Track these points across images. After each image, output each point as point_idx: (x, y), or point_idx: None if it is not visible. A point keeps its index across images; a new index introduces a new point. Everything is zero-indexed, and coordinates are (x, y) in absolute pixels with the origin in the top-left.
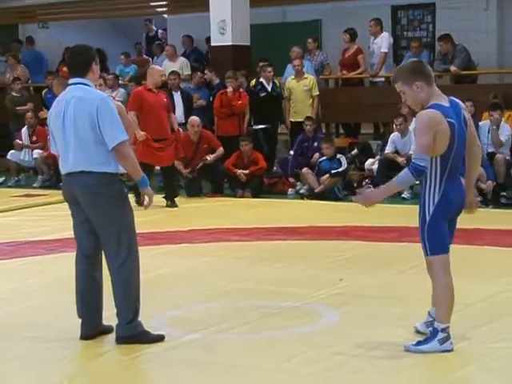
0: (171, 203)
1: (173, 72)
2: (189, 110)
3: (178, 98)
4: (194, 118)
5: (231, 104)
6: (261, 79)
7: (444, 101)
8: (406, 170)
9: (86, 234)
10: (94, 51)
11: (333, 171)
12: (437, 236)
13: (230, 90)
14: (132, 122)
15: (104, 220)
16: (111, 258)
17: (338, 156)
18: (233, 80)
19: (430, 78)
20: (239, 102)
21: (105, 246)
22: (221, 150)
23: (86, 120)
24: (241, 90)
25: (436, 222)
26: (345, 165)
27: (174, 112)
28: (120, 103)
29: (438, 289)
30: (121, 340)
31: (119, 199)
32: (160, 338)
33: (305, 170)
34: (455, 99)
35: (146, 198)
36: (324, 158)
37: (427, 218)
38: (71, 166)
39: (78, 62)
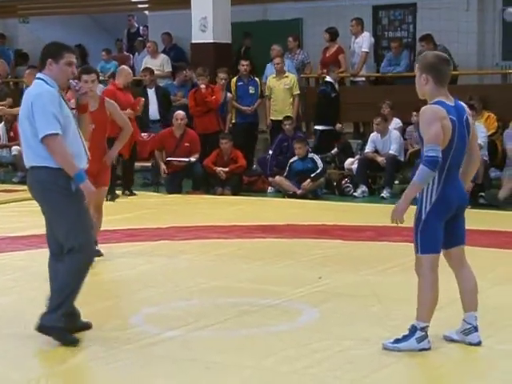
0: (129, 192)
1: (146, 69)
2: (166, 107)
3: (152, 94)
4: (180, 112)
5: (205, 101)
6: (328, 78)
7: (449, 101)
8: (421, 166)
9: (49, 233)
10: (53, 48)
11: (312, 175)
12: (430, 235)
13: (202, 86)
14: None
15: (52, 216)
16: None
17: (310, 155)
18: (203, 77)
19: (441, 77)
20: (213, 97)
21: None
22: (196, 156)
23: (24, 113)
24: (213, 85)
25: (431, 222)
26: (320, 164)
27: (148, 109)
28: (113, 102)
29: (423, 287)
30: (38, 328)
31: (66, 195)
32: (73, 341)
33: (277, 178)
34: (461, 102)
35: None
36: (295, 158)
37: (423, 217)
38: (25, 161)
39: (40, 57)
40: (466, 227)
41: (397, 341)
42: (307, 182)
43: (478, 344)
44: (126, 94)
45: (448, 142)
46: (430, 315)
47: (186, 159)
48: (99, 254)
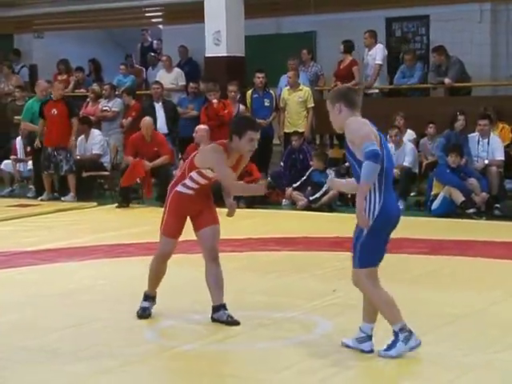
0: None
1: (156, 82)
2: (174, 121)
3: (159, 108)
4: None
5: (218, 115)
6: None
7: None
8: (364, 163)
9: None
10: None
11: (311, 198)
12: (371, 250)
13: (214, 101)
14: None
15: None
16: None
17: (328, 171)
18: (214, 92)
19: (352, 103)
20: (225, 111)
21: None
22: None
23: None
24: (224, 99)
25: (373, 237)
26: (326, 186)
27: (155, 123)
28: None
29: (374, 301)
30: None
31: None
32: None
33: (289, 191)
34: None
35: None
36: (315, 168)
37: (364, 231)
38: None
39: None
40: (483, 238)
41: (389, 348)
42: (305, 202)
43: (370, 352)
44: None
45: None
46: (398, 315)
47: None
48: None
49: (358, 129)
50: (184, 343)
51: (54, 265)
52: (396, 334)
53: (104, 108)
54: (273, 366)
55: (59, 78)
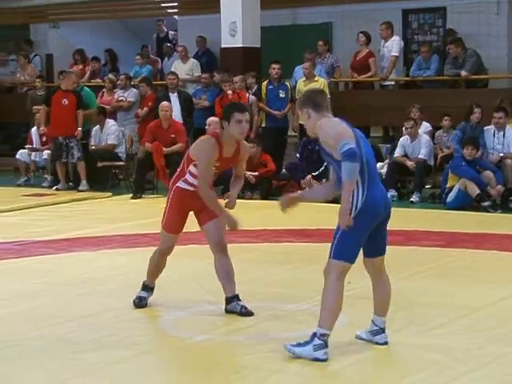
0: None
1: (172, 72)
2: (189, 112)
3: (174, 99)
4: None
5: None
6: None
7: None
8: (343, 164)
9: None
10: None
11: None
12: (348, 244)
13: (229, 92)
14: None
15: None
16: None
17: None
18: (229, 83)
19: (318, 105)
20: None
21: None
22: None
23: None
24: (239, 90)
25: (354, 230)
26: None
27: (171, 113)
28: None
29: (327, 291)
30: None
31: None
32: None
33: (309, 177)
34: None
35: None
36: None
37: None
38: None
39: None
40: (498, 231)
41: (298, 345)
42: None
43: (385, 344)
44: None
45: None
46: (332, 323)
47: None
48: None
49: (329, 129)
50: (197, 334)
51: (68, 254)
52: (314, 336)
53: (120, 98)
54: (286, 358)
55: (75, 68)
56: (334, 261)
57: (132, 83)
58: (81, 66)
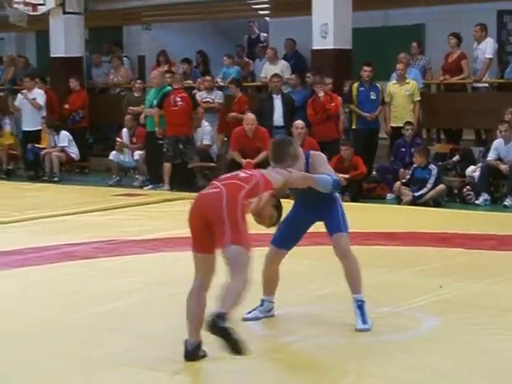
0: None
1: (275, 75)
2: (291, 114)
3: (278, 101)
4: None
5: (325, 108)
6: None
7: None
8: (329, 177)
9: None
10: None
11: (416, 194)
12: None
13: (321, 94)
14: None
15: None
16: None
17: (430, 167)
18: (322, 85)
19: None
20: (332, 104)
21: None
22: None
23: None
24: (331, 92)
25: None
26: (430, 183)
27: (272, 115)
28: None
29: (353, 266)
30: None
31: None
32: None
33: (398, 184)
34: None
35: None
36: (418, 165)
37: (336, 202)
38: None
39: None
40: None
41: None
42: (398, 184)
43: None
44: None
45: None
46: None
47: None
48: None
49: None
50: (286, 335)
51: (159, 254)
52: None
53: (205, 100)
54: (377, 362)
55: (160, 69)
56: (346, 234)
57: (216, 85)
58: (166, 67)
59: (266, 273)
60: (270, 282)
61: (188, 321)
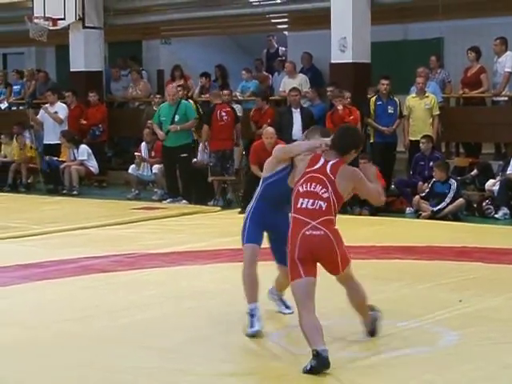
0: None
1: (294, 88)
2: (309, 127)
3: (297, 115)
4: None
5: (344, 121)
6: None
7: None
8: None
9: None
10: None
11: (435, 208)
12: None
13: (340, 107)
14: None
15: None
16: None
17: (450, 181)
18: (340, 98)
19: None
20: (351, 117)
21: None
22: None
23: None
24: (350, 106)
25: None
26: (450, 197)
27: (291, 129)
28: None
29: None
30: None
31: None
32: None
33: (417, 198)
34: None
35: None
36: (436, 179)
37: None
38: None
39: None
40: None
41: None
42: (417, 198)
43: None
44: None
45: None
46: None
47: None
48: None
49: None
50: (305, 348)
51: (179, 267)
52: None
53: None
54: (397, 377)
55: (174, 84)
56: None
57: (234, 99)
58: (181, 82)
59: (253, 275)
60: (257, 285)
61: None
